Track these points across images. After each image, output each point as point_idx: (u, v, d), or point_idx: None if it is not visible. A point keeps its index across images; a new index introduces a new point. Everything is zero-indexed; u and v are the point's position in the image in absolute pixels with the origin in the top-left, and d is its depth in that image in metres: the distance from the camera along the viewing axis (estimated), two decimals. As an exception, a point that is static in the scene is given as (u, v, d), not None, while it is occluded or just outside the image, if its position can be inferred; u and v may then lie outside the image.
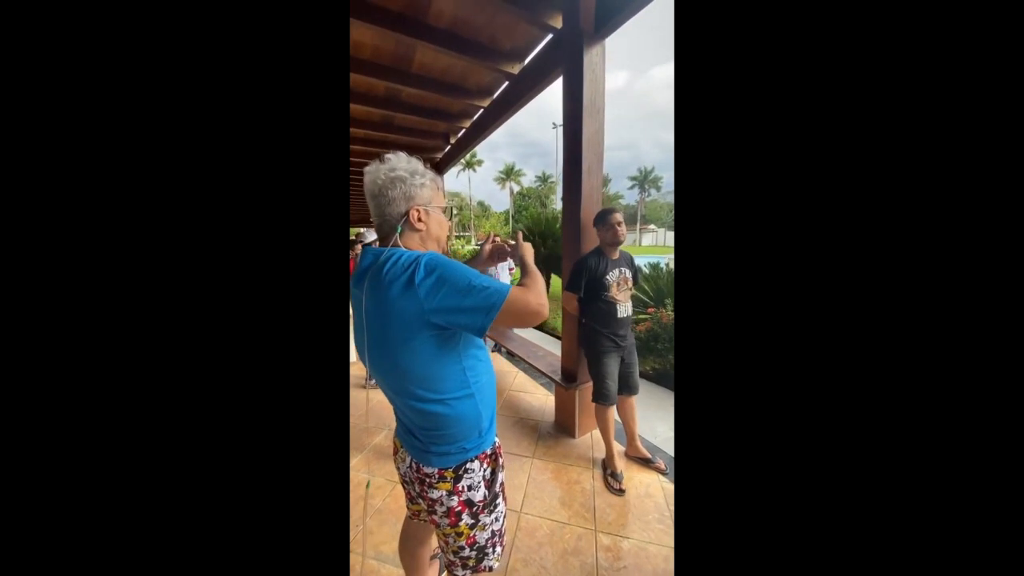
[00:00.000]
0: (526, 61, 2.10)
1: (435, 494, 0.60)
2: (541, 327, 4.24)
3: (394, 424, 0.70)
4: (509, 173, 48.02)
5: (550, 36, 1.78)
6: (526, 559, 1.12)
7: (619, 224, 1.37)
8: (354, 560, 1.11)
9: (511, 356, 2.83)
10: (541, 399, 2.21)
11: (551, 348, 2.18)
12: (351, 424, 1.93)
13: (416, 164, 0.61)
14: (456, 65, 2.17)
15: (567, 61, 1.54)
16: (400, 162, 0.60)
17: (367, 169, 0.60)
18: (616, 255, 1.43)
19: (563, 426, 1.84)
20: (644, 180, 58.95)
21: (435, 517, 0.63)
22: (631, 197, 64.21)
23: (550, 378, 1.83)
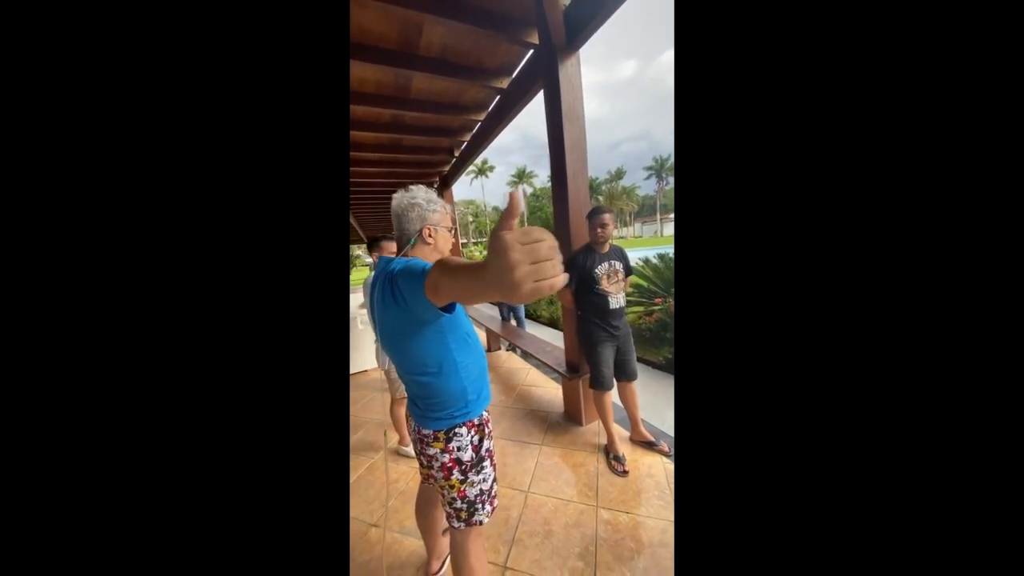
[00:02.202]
0: (514, 75, 2.24)
1: (431, 451, 0.75)
2: (553, 325, 4.30)
3: None
4: (521, 176, 48.26)
5: (531, 51, 1.91)
6: (531, 531, 1.23)
7: (603, 226, 1.45)
8: (378, 534, 1.28)
9: (525, 355, 2.95)
10: (552, 392, 2.31)
11: (560, 343, 2.28)
12: (375, 422, 2.14)
13: (431, 194, 0.80)
14: (450, 87, 2.35)
15: (545, 74, 1.66)
16: (420, 192, 0.78)
17: (394, 196, 0.79)
18: (605, 249, 1.52)
19: (571, 415, 1.93)
20: (661, 169, 56.94)
21: (432, 472, 0.77)
22: (648, 188, 62.29)
23: (556, 371, 1.93)
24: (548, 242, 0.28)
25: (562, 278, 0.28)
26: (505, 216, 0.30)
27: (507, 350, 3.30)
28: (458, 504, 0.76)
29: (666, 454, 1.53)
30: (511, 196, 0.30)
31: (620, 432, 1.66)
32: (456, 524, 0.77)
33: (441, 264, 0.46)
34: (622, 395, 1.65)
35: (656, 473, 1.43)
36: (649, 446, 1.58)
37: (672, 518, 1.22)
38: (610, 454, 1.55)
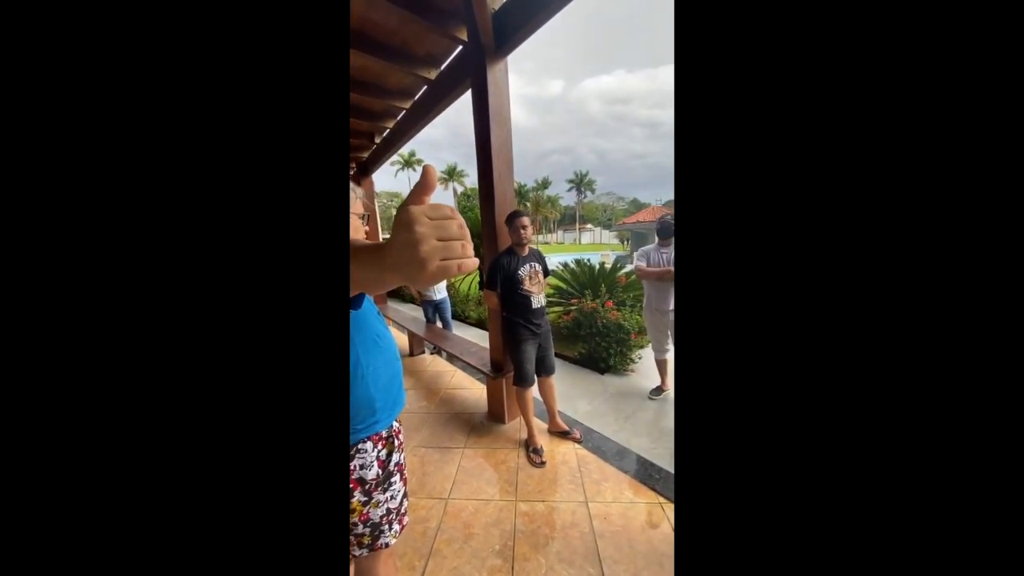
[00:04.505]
0: (442, 67, 2.17)
1: None
2: (481, 325, 4.32)
3: None
4: (452, 174, 47.18)
5: (460, 47, 1.88)
6: (450, 538, 1.19)
7: (523, 227, 1.52)
8: None
9: (451, 357, 2.87)
10: (476, 393, 2.30)
11: (485, 344, 2.29)
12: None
13: None
14: (371, 65, 2.13)
15: (474, 74, 1.65)
16: None
17: None
18: (526, 252, 1.59)
19: (495, 414, 1.95)
20: (580, 183, 63.36)
21: None
22: (570, 199, 68.60)
23: (481, 371, 1.93)
24: (458, 220, 0.26)
25: (472, 261, 0.27)
26: (417, 191, 0.28)
27: (431, 353, 3.16)
28: (360, 529, 0.67)
29: (578, 440, 1.68)
30: (425, 169, 0.28)
31: (539, 425, 1.75)
32: (358, 552, 0.69)
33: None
34: (541, 389, 1.75)
35: (569, 460, 1.56)
36: (564, 435, 1.71)
37: (582, 499, 1.34)
38: (529, 447, 1.62)
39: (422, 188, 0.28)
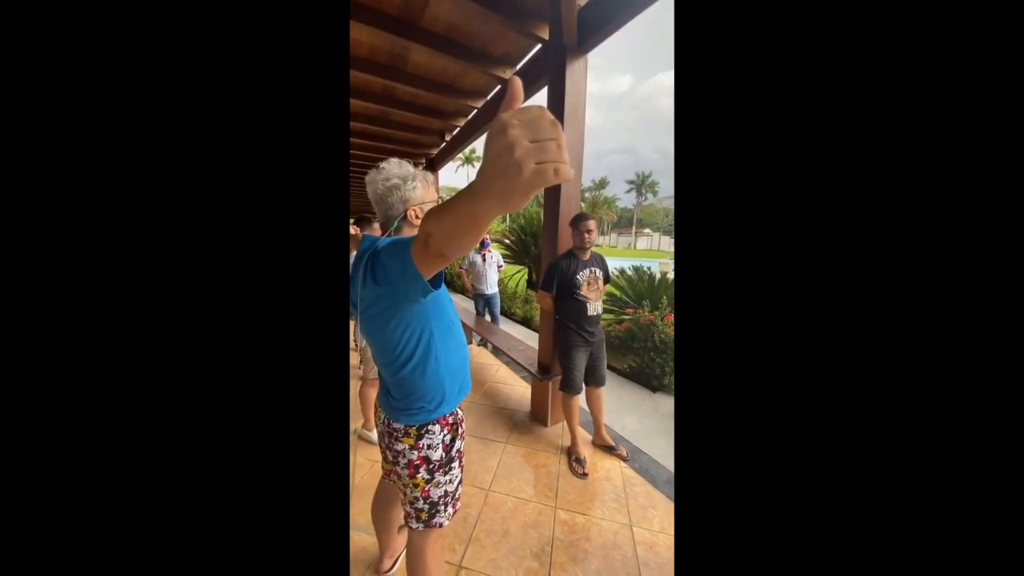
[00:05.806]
0: (518, 67, 2.19)
1: (399, 447, 0.71)
2: (526, 323, 4.33)
3: None
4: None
5: (539, 46, 1.87)
6: (489, 530, 1.22)
7: (588, 231, 1.47)
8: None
9: (496, 351, 2.93)
10: (520, 391, 2.31)
11: (532, 343, 2.29)
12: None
13: (407, 169, 0.72)
14: (450, 67, 2.25)
15: (551, 72, 1.63)
16: (393, 170, 0.71)
17: (367, 179, 0.71)
18: (587, 256, 1.54)
19: (537, 415, 1.95)
20: (641, 184, 59.58)
21: (397, 468, 0.73)
22: (628, 200, 65.02)
23: (527, 370, 1.94)
24: (549, 117, 0.24)
25: (568, 169, 0.25)
26: (505, 105, 0.27)
27: (478, 345, 3.27)
28: (420, 504, 0.73)
29: (624, 458, 1.59)
30: (511, 80, 0.27)
31: (583, 435, 1.70)
32: (415, 525, 0.74)
33: (428, 213, 0.40)
34: (589, 400, 1.69)
35: (614, 477, 1.49)
36: (609, 450, 1.63)
37: (625, 521, 1.27)
38: (572, 456, 1.58)
39: (509, 101, 0.27)
